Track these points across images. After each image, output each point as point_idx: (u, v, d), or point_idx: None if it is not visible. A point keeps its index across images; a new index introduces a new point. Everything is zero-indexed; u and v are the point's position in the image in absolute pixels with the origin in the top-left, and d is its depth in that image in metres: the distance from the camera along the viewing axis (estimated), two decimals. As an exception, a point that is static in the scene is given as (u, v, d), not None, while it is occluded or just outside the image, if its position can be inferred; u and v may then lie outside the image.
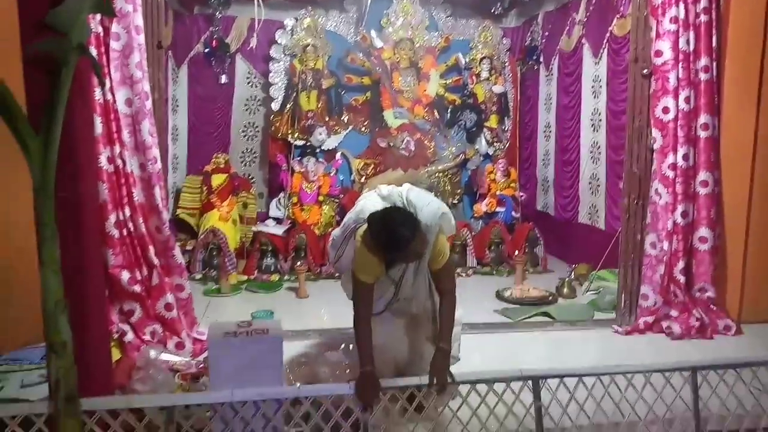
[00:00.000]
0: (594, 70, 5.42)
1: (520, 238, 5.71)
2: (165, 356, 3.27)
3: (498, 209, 5.95)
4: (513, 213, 5.99)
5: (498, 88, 6.26)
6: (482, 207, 5.99)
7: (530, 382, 2.71)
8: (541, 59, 6.31)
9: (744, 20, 3.94)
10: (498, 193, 5.98)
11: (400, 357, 2.95)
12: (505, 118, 6.36)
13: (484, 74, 6.25)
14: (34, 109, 2.19)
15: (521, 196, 6.19)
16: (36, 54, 2.17)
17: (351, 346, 3.30)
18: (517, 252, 5.42)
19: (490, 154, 6.25)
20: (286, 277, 5.35)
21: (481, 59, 6.24)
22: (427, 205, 2.75)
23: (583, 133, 5.62)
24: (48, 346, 2.25)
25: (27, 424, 2.38)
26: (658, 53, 3.91)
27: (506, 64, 6.45)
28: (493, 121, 6.24)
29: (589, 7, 5.40)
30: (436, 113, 6.20)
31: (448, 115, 6.22)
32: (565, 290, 4.84)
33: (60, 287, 2.21)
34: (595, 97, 5.43)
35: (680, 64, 3.89)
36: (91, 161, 2.66)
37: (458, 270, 5.49)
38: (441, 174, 6.09)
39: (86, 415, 2.36)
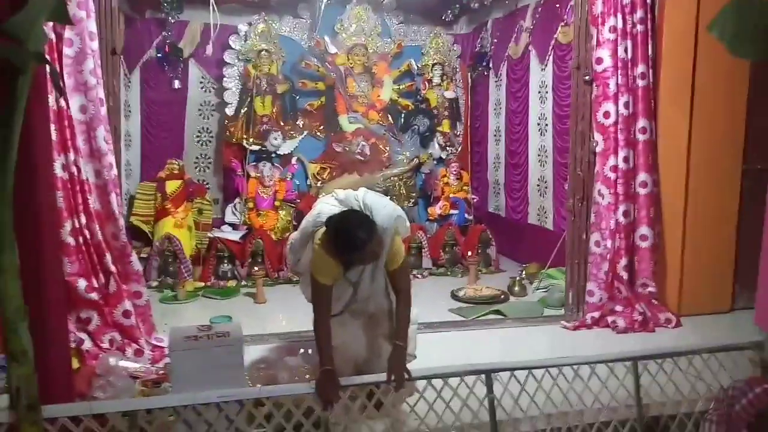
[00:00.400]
0: (540, 76, 5.63)
1: (473, 239, 5.87)
2: (124, 363, 3.26)
3: (452, 212, 6.10)
4: (466, 215, 6.15)
5: (449, 94, 6.43)
6: (436, 210, 6.14)
7: (483, 376, 2.84)
8: (491, 65, 6.50)
9: (677, 30, 4.18)
10: (451, 196, 6.14)
11: (359, 356, 3.02)
12: (457, 122, 6.54)
13: (436, 80, 6.41)
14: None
15: (474, 198, 6.36)
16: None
17: (310, 350, 3.37)
18: (470, 253, 5.58)
19: (443, 158, 6.42)
20: (243, 283, 5.36)
21: (433, 65, 6.40)
22: (383, 208, 2.84)
23: (530, 137, 5.83)
24: (8, 354, 2.25)
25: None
26: (599, 60, 4.12)
27: (457, 69, 6.63)
28: (445, 126, 6.41)
29: (536, 16, 5.61)
30: (390, 118, 6.32)
31: (402, 120, 6.35)
32: (516, 289, 5.01)
33: (20, 294, 2.21)
34: (541, 102, 5.65)
35: (619, 71, 4.10)
36: (48, 168, 2.66)
37: (414, 271, 5.63)
38: (396, 178, 6.20)
39: (48, 422, 2.36)
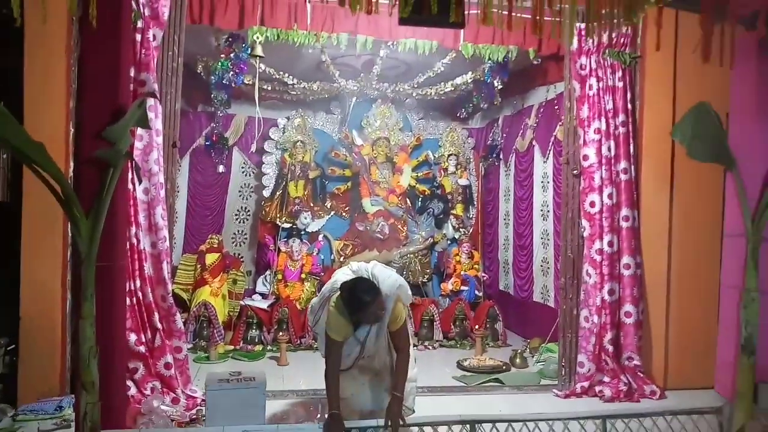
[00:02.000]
0: (543, 167, 6.26)
1: (481, 314, 6.34)
2: (164, 407, 3.81)
3: (462, 288, 6.61)
4: (476, 292, 6.65)
5: (463, 181, 7.10)
6: (449, 286, 6.66)
7: (468, 426, 3.31)
8: (501, 156, 7.18)
9: (655, 131, 4.72)
10: (462, 273, 6.67)
11: (364, 406, 3.50)
12: (470, 206, 7.16)
13: (451, 168, 7.11)
14: (83, 198, 2.88)
15: (484, 276, 6.88)
16: (92, 157, 2.90)
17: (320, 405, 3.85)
18: (478, 326, 6.04)
19: (456, 238, 7.00)
20: (269, 347, 5.90)
21: (449, 156, 7.12)
22: (388, 278, 3.41)
23: (535, 221, 6.40)
24: (80, 385, 2.83)
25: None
26: (585, 157, 4.73)
27: (471, 159, 7.33)
28: (458, 210, 7.04)
29: (539, 115, 6.31)
30: (408, 201, 7.00)
31: (419, 203, 7.03)
32: (518, 360, 5.43)
33: (93, 337, 2.82)
34: (544, 190, 6.25)
35: (603, 167, 4.69)
36: (124, 240, 3.33)
37: (426, 342, 6.11)
38: (412, 255, 6.79)
39: (105, 444, 2.91)
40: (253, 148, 6.67)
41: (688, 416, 3.59)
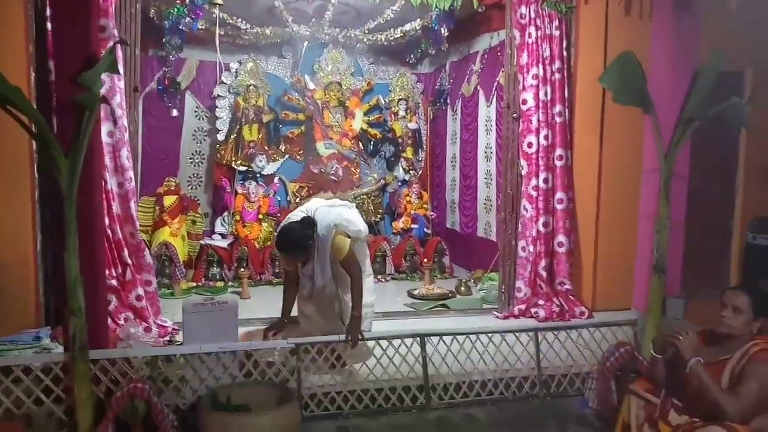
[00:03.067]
0: (486, 111, 6.64)
1: (430, 249, 6.81)
2: (140, 334, 4.12)
3: (413, 226, 7.05)
4: (425, 229, 7.09)
5: (412, 125, 7.43)
6: (399, 224, 7.08)
7: (418, 338, 3.77)
8: (448, 101, 7.52)
9: (588, 77, 5.09)
10: (412, 212, 7.09)
11: (323, 327, 3.91)
12: (419, 149, 7.52)
13: (401, 113, 7.42)
14: (61, 140, 3.07)
15: (432, 215, 7.32)
16: (65, 101, 3.09)
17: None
18: (426, 260, 6.51)
19: (407, 179, 7.38)
20: (230, 284, 6.23)
21: (399, 100, 7.41)
22: (324, 219, 3.76)
23: (479, 162, 6.82)
24: (68, 310, 3.10)
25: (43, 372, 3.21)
26: (524, 101, 5.11)
27: (420, 104, 7.64)
28: (408, 153, 7.39)
29: (483, 60, 6.64)
30: (360, 145, 7.29)
31: (371, 146, 7.33)
32: (463, 289, 5.94)
33: (77, 267, 3.08)
34: (487, 133, 6.66)
35: (540, 110, 5.10)
36: (98, 178, 3.55)
37: (378, 276, 6.54)
38: (365, 196, 7.15)
39: (91, 363, 3.21)
40: (215, 92, 6.79)
41: (608, 328, 4.15)
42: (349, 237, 3.74)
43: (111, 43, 3.68)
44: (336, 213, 3.83)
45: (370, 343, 3.77)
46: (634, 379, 3.13)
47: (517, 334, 3.96)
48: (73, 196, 3.02)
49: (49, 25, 3.74)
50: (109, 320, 4.25)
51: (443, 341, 3.81)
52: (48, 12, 3.73)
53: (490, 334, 3.91)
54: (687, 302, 4.21)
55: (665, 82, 4.16)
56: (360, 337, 3.61)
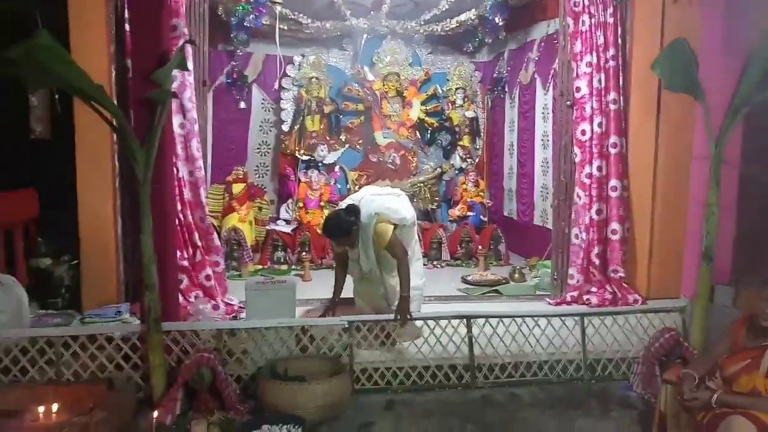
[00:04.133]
0: (543, 99, 6.66)
1: (485, 237, 6.91)
2: (209, 310, 4.48)
3: (469, 213, 7.17)
4: (481, 217, 7.20)
5: (470, 113, 7.53)
6: (456, 211, 7.22)
7: (465, 320, 3.94)
8: (506, 89, 7.56)
9: (643, 65, 5.00)
10: (468, 200, 7.22)
11: (372, 305, 4.18)
12: (476, 138, 7.62)
13: (459, 101, 7.53)
14: (137, 132, 3.41)
15: (489, 203, 7.42)
16: (141, 96, 3.43)
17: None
18: (481, 247, 6.63)
19: (463, 168, 7.50)
20: (293, 267, 6.57)
21: (456, 89, 7.53)
22: (367, 208, 4.03)
23: (536, 150, 6.85)
24: (143, 286, 3.46)
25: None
26: (578, 89, 5.13)
27: (477, 93, 7.73)
28: (465, 141, 7.51)
29: (540, 48, 6.66)
30: (417, 134, 7.46)
31: (428, 135, 7.49)
32: (516, 276, 6.03)
33: (151, 247, 3.42)
34: (544, 121, 6.67)
35: (594, 98, 5.11)
36: (170, 167, 3.90)
37: (434, 262, 6.72)
38: (422, 184, 7.32)
39: (164, 334, 3.56)
40: (276, 85, 7.13)
41: (656, 314, 4.19)
42: (393, 224, 3.94)
43: (181, 42, 4.00)
44: (379, 202, 4.05)
45: (419, 323, 3.96)
46: (671, 366, 3.19)
47: (563, 318, 4.05)
48: (147, 183, 3.37)
49: (127, 27, 4.13)
50: (181, 298, 4.66)
51: (489, 323, 3.96)
52: (126, 15, 4.11)
53: (536, 318, 4.02)
54: (737, 290, 4.16)
55: (717, 69, 4.11)
56: (408, 316, 3.82)
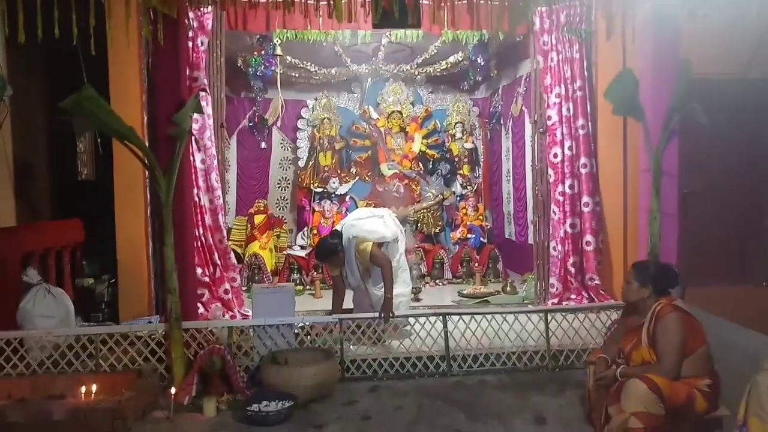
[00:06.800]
0: (530, 129, 7.28)
1: (484, 256, 7.50)
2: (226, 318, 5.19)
3: (469, 236, 7.78)
4: (480, 238, 7.79)
5: (468, 145, 8.22)
6: (457, 234, 7.84)
7: (441, 317, 4.53)
8: (501, 121, 8.24)
9: None
10: (468, 223, 7.83)
11: (362, 310, 4.82)
12: (476, 166, 8.28)
13: (458, 134, 8.24)
14: (161, 163, 4.18)
15: (487, 226, 8.02)
16: (165, 135, 4.22)
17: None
18: (476, 264, 7.21)
19: (463, 194, 8.15)
20: (308, 288, 7.25)
21: (455, 123, 8.24)
22: (348, 232, 4.78)
23: (527, 176, 7.45)
24: (165, 289, 4.18)
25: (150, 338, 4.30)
26: (549, 117, 5.78)
27: (476, 126, 8.42)
28: (465, 170, 8.17)
29: (526, 83, 7.33)
30: (420, 165, 8.17)
31: (430, 165, 8.19)
32: (508, 289, 6.58)
33: (173, 257, 4.15)
34: (532, 148, 7.28)
35: (563, 125, 5.73)
36: (189, 192, 4.68)
37: (437, 280, 7.33)
38: (425, 210, 7.98)
39: (183, 331, 4.25)
40: (279, 123, 7.99)
41: (614, 310, 4.70)
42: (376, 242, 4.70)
43: (197, 90, 4.84)
44: (359, 226, 4.79)
45: (407, 327, 4.58)
46: (593, 351, 3.70)
47: (528, 315, 4.62)
48: (169, 205, 4.12)
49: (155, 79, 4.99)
50: (203, 309, 5.39)
51: (462, 320, 4.55)
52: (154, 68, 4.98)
53: (504, 315, 4.59)
54: (682, 286, 4.64)
55: (651, 94, 4.72)
56: (391, 314, 4.45)
